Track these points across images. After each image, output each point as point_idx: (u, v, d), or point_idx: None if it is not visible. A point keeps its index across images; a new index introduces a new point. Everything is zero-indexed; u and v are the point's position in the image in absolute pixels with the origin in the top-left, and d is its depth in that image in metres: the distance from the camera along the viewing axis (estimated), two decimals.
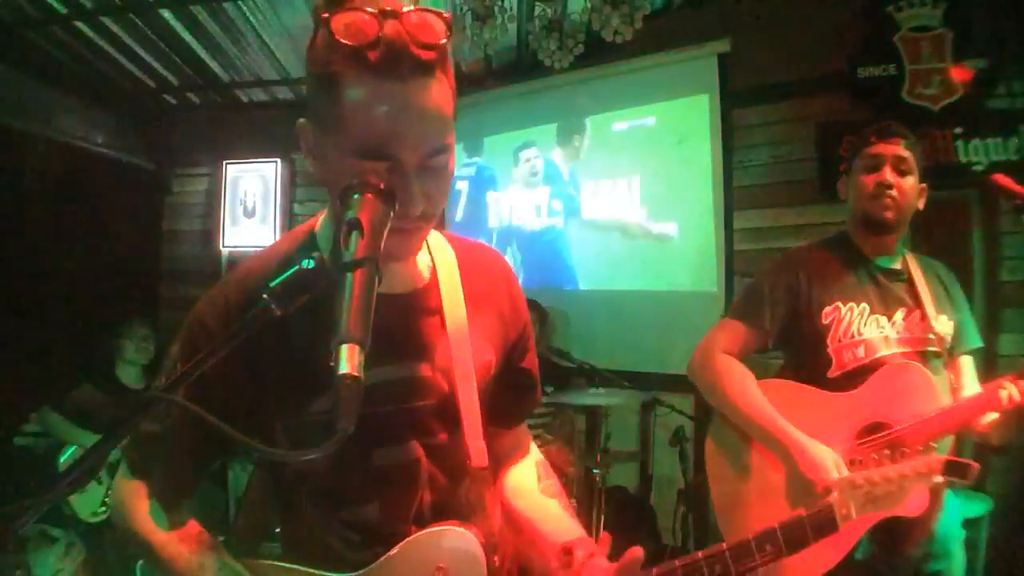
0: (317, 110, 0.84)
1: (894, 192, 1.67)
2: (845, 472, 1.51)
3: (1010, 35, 2.84)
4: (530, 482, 1.12)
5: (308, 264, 0.69)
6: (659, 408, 3.36)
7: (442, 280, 0.98)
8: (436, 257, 1.00)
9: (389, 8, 0.79)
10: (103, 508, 3.02)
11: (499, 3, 3.23)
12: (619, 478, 3.60)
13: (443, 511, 0.95)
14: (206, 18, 3.87)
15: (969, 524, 2.50)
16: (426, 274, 0.98)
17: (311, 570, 0.92)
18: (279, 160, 4.91)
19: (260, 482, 1.03)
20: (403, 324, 0.94)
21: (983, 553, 2.56)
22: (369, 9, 0.79)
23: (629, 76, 3.89)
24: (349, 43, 0.77)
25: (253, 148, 4.98)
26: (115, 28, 3.94)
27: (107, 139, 4.63)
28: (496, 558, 0.95)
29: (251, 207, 4.96)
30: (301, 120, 0.88)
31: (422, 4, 0.87)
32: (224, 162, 5.02)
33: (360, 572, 0.91)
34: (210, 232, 5.09)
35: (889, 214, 1.68)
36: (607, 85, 3.98)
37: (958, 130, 2.90)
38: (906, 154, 1.68)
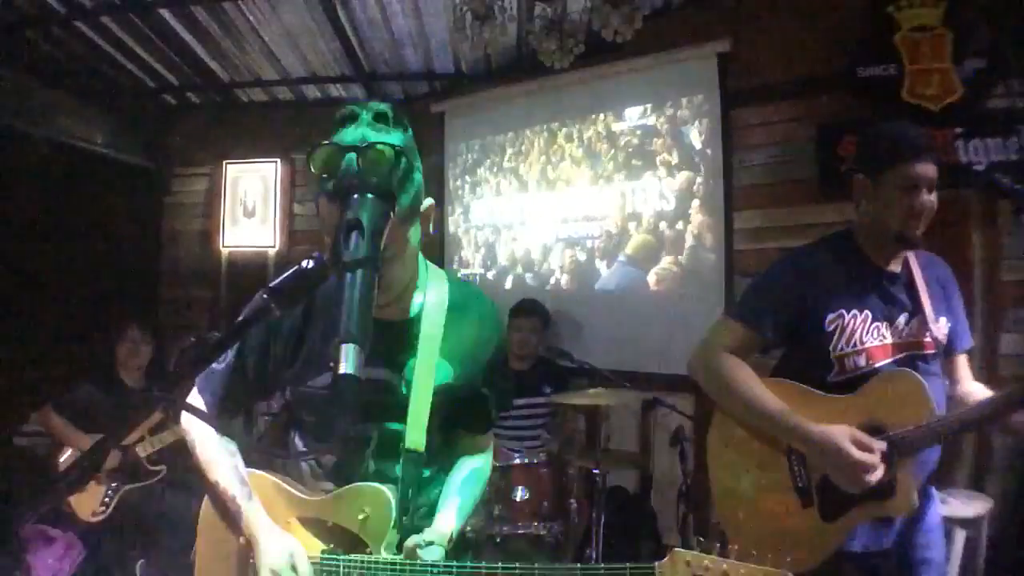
0: None
1: (928, 213, 1.66)
2: (880, 444, 1.55)
3: (1010, 35, 2.84)
4: (456, 475, 1.40)
5: (308, 264, 0.76)
6: (659, 408, 3.36)
7: (427, 314, 1.28)
8: (428, 296, 1.29)
9: (349, 143, 1.07)
10: (103, 508, 3.01)
11: (499, 3, 3.23)
12: (619, 478, 3.60)
13: (380, 476, 1.26)
14: (206, 18, 3.87)
15: (969, 524, 2.51)
16: (417, 308, 1.28)
17: (289, 488, 1.30)
18: (279, 160, 4.92)
19: (281, 417, 1.38)
20: (388, 342, 1.22)
21: (983, 553, 2.56)
22: (334, 144, 1.07)
23: (629, 76, 3.89)
24: (315, 172, 1.07)
25: (253, 148, 4.98)
26: (115, 28, 3.94)
27: (107, 139, 4.63)
28: (406, 517, 1.25)
29: (251, 207, 4.97)
30: None
31: None
32: (224, 162, 5.03)
33: (317, 499, 1.27)
34: (210, 232, 5.09)
35: (921, 234, 1.67)
36: (607, 85, 3.98)
37: (958, 130, 2.90)
38: (936, 174, 1.66)
